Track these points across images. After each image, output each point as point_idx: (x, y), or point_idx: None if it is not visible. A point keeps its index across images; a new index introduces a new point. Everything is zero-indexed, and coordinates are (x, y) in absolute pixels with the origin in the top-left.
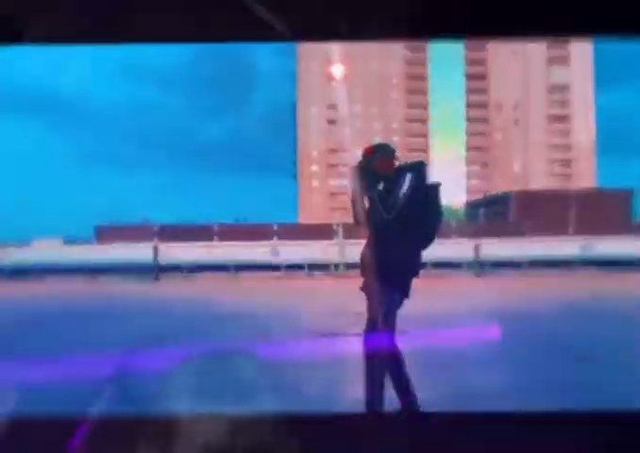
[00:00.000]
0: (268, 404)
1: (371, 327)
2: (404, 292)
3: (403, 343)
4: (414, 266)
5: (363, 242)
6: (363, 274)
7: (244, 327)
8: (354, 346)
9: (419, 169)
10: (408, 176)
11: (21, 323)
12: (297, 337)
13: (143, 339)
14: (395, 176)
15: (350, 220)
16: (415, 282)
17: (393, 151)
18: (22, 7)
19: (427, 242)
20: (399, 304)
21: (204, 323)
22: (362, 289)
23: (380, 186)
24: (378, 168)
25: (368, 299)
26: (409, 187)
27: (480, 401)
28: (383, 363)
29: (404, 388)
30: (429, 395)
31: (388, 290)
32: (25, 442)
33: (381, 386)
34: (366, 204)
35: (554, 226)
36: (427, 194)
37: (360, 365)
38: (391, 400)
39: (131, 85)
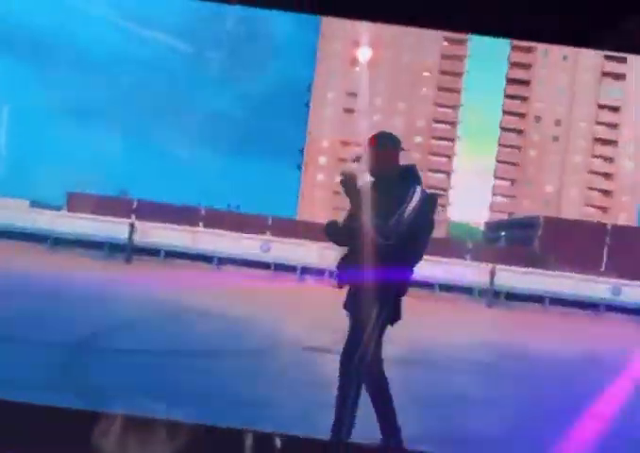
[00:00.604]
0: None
1: (350, 349)
2: (394, 313)
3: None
4: (404, 286)
5: None
6: (341, 287)
7: (216, 331)
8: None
9: (419, 176)
10: (417, 191)
11: None
12: (279, 350)
13: (99, 325)
14: (397, 184)
15: None
16: (416, 304)
17: (398, 143)
18: None
19: (419, 260)
20: (386, 326)
21: (171, 318)
22: (346, 307)
23: (374, 197)
24: (377, 165)
25: (351, 318)
26: (417, 205)
27: (476, 446)
28: (359, 389)
29: (388, 422)
30: (417, 433)
31: (374, 310)
32: None
33: (352, 413)
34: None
35: (583, 262)
36: (431, 210)
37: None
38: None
39: (133, 36)
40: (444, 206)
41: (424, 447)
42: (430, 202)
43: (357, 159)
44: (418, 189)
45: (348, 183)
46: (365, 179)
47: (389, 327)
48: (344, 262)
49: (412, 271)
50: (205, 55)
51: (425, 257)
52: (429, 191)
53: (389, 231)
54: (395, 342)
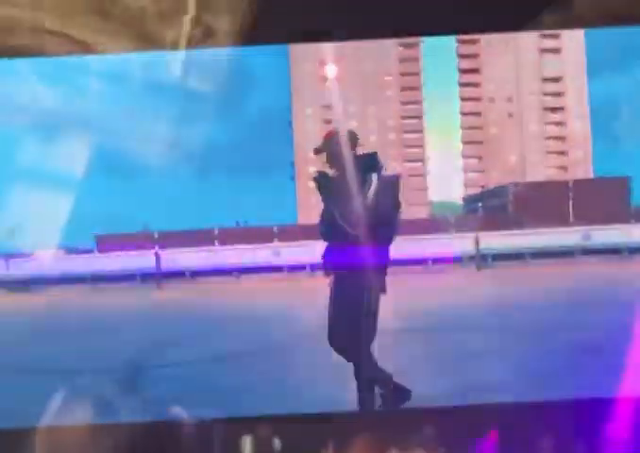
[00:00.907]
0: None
1: (340, 331)
2: (379, 289)
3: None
4: (383, 265)
5: None
6: (328, 275)
7: (247, 331)
8: None
9: (377, 163)
10: (373, 180)
11: (26, 335)
12: (300, 338)
13: (147, 347)
14: (356, 176)
15: None
16: (417, 279)
17: (354, 137)
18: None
19: (393, 238)
20: (376, 303)
21: (209, 328)
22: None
23: (338, 191)
24: (337, 160)
25: (338, 302)
26: (375, 193)
27: (480, 393)
28: (365, 364)
29: (379, 381)
30: (425, 387)
31: (360, 292)
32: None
33: (370, 386)
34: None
35: (553, 217)
36: (392, 193)
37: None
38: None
39: (125, 92)
40: (424, 189)
41: (438, 402)
42: (389, 185)
43: (317, 152)
44: (374, 177)
45: (320, 181)
46: (332, 175)
47: (395, 303)
48: (326, 253)
49: (387, 251)
50: (193, 97)
51: (413, 236)
52: (389, 174)
53: (355, 222)
54: (411, 313)
